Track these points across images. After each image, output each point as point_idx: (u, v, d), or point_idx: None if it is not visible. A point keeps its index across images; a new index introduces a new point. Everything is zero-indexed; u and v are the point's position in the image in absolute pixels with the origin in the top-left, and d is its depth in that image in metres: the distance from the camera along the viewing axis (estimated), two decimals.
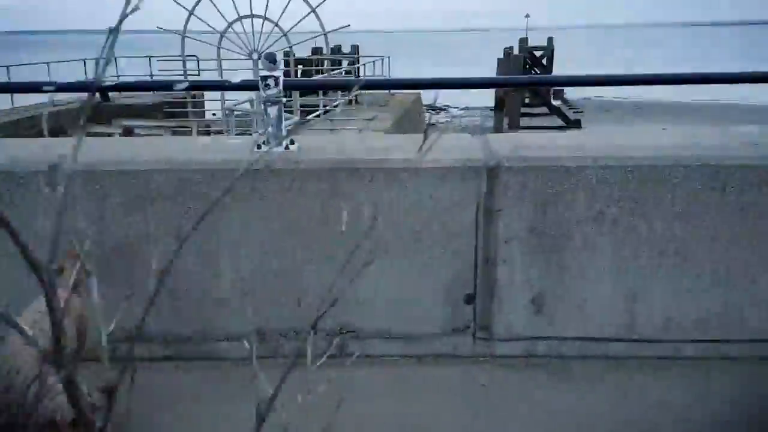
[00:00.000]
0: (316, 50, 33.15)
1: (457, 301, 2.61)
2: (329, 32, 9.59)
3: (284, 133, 2.53)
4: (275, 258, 2.54)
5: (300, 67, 30.02)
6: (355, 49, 36.24)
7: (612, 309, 2.61)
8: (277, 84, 2.47)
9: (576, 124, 34.56)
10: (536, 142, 2.74)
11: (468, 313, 2.63)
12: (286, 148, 2.54)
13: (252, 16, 8.78)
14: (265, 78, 2.47)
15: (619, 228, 2.55)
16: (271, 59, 2.48)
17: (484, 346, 2.66)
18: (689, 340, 2.63)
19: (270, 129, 2.53)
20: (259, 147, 2.56)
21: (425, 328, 2.64)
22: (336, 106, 14.44)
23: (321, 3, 9.10)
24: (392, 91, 18.52)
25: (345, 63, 29.51)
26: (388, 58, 18.10)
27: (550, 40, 52.33)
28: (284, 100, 2.52)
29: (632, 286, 2.59)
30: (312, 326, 1.06)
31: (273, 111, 2.51)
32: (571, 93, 49.48)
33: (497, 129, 31.39)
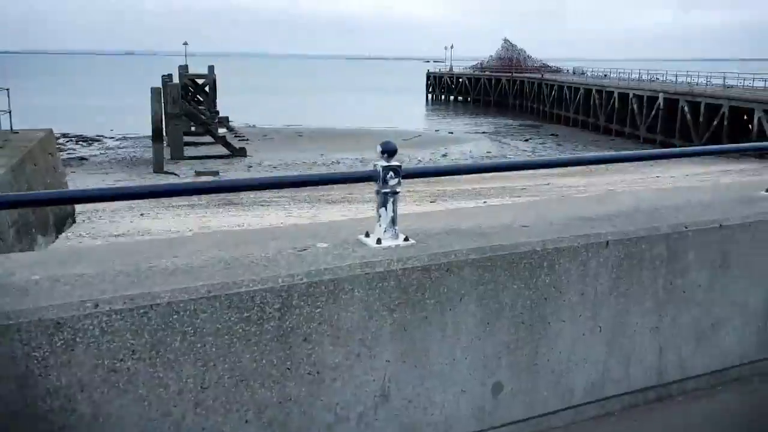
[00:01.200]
0: None
1: None
2: None
3: None
4: None
5: None
6: None
7: None
8: None
9: (241, 153, 34.79)
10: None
11: None
12: None
13: None
14: None
15: (139, 385, 2.00)
16: None
17: None
18: None
19: None
20: None
21: None
22: None
23: None
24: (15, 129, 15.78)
25: None
26: (7, 90, 15.31)
27: (211, 68, 52.10)
28: None
29: None
30: None
31: None
32: (238, 120, 50.04)
33: (158, 160, 29.64)
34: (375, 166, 2.51)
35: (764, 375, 3.27)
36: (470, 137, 47.10)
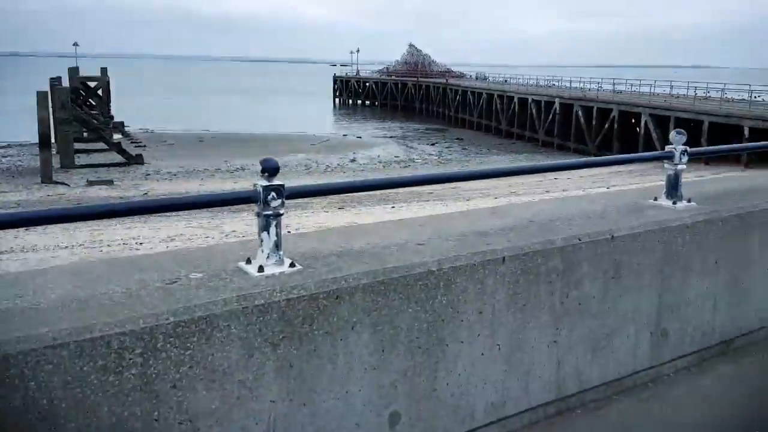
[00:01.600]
0: None
1: None
2: None
3: None
4: None
5: None
6: None
7: None
8: None
9: (138, 160, 33.08)
10: None
11: None
12: None
13: None
14: None
15: None
16: None
17: None
18: None
19: None
20: None
21: None
22: None
23: None
24: None
25: None
26: None
27: (104, 70, 49.43)
28: None
29: None
30: None
31: None
32: (134, 125, 47.71)
33: (46, 169, 27.59)
34: (255, 186, 2.30)
35: (657, 382, 3.33)
36: (378, 141, 47.37)
